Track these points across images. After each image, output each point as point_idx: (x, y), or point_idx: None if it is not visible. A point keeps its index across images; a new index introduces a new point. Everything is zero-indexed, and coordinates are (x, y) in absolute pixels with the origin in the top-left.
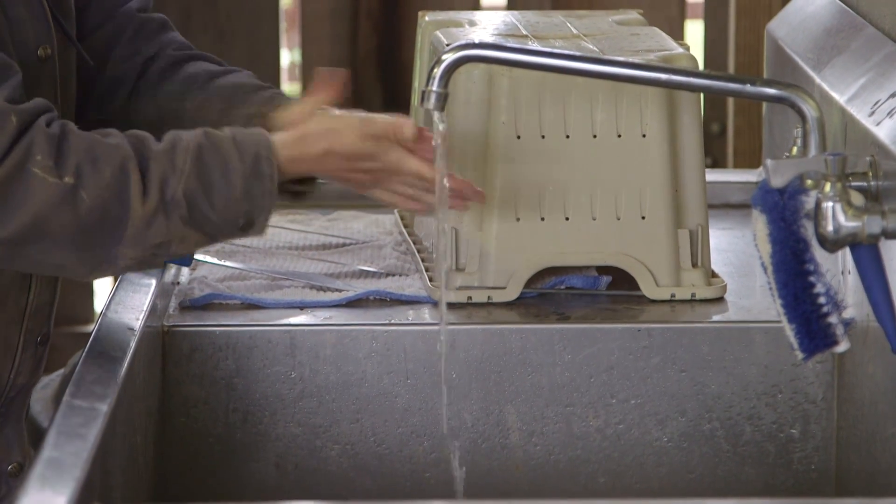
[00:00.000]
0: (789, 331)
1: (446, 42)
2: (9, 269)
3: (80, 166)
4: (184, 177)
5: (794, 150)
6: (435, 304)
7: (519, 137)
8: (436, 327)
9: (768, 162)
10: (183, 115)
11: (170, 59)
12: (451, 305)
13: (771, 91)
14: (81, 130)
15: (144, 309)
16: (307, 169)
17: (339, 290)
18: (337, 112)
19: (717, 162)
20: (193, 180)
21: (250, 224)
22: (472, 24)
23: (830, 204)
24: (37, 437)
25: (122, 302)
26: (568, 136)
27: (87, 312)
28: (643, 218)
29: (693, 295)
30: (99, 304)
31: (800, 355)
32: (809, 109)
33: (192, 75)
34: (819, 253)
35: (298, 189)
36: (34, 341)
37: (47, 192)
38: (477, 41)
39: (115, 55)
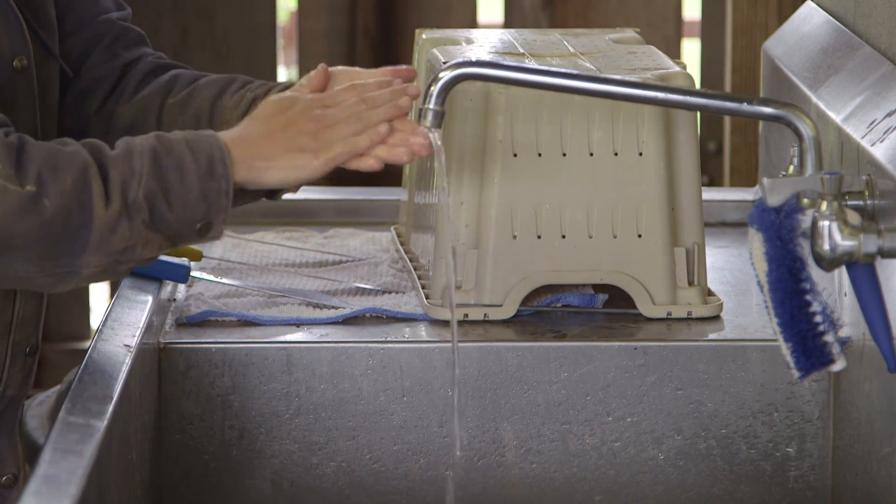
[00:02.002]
0: (785, 349)
1: (443, 60)
2: None
3: (41, 174)
4: (143, 180)
5: (791, 168)
6: (431, 321)
7: (515, 155)
8: (432, 345)
9: (765, 180)
10: (164, 111)
11: (151, 63)
12: (447, 323)
13: (767, 110)
14: (39, 141)
15: (140, 326)
16: (256, 153)
17: (336, 308)
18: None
19: (713, 180)
20: (152, 183)
21: (208, 227)
22: (469, 41)
23: (827, 223)
24: (32, 453)
25: (118, 319)
26: (564, 154)
27: (82, 329)
28: (640, 236)
29: (689, 313)
30: (95, 321)
31: (796, 374)
32: (806, 128)
33: (176, 76)
34: (815, 272)
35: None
36: (23, 353)
37: (9, 201)
38: (474, 59)
39: (92, 59)
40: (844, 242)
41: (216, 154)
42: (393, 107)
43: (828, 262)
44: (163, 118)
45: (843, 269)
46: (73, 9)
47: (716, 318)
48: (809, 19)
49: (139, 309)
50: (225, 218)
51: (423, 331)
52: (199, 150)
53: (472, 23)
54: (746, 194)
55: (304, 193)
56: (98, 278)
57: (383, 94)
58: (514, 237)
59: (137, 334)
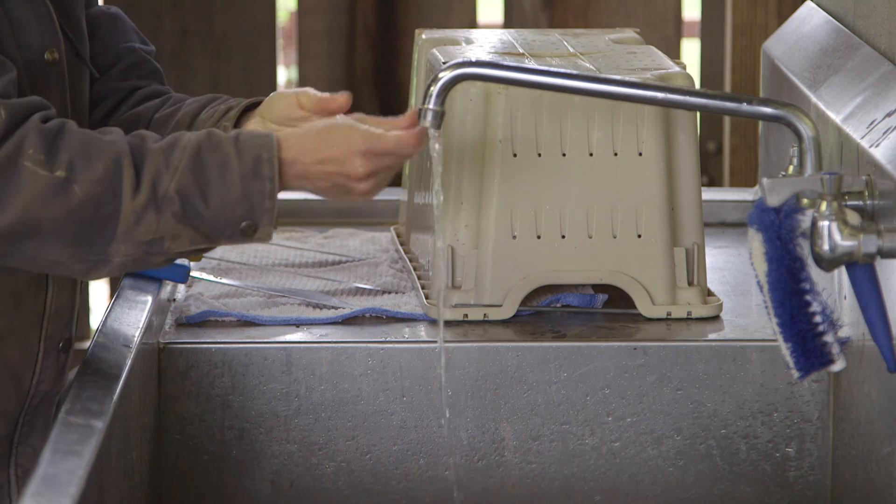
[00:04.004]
0: (785, 349)
1: (443, 60)
2: (12, 267)
3: (73, 160)
4: (177, 174)
5: (791, 168)
6: (431, 321)
7: (515, 155)
8: (432, 345)
9: (764, 181)
10: (150, 125)
11: (155, 90)
12: (447, 323)
13: (767, 110)
14: (81, 129)
15: (140, 326)
16: (303, 173)
17: (336, 308)
18: (340, 118)
19: (713, 180)
20: (188, 177)
21: (253, 227)
22: (468, 41)
23: (826, 223)
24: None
25: (118, 319)
26: (564, 155)
27: (83, 329)
28: (639, 236)
29: (689, 313)
30: (95, 321)
31: (796, 374)
32: (805, 128)
33: (168, 97)
34: (815, 272)
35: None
36: (55, 347)
37: (37, 185)
38: (473, 59)
39: (108, 75)
40: (844, 243)
41: (264, 154)
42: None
43: (827, 263)
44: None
45: (843, 271)
46: (101, 35)
47: (715, 318)
48: (809, 19)
49: (139, 309)
50: (272, 220)
51: (422, 331)
52: (246, 148)
53: (472, 23)
54: (746, 194)
55: (305, 193)
56: (131, 267)
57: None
58: (514, 237)
59: (137, 334)
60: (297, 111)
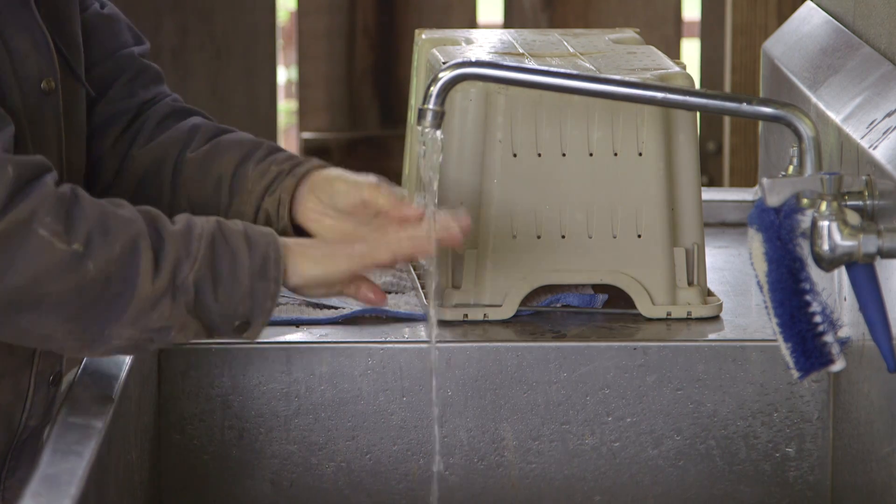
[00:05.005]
0: (785, 349)
1: (443, 60)
2: None
3: (91, 235)
4: (196, 263)
5: (791, 168)
6: None
7: (515, 155)
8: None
9: (764, 181)
10: (182, 163)
11: (169, 107)
12: (446, 323)
13: (767, 110)
14: (92, 197)
15: None
16: (301, 286)
17: (335, 308)
18: (350, 226)
19: (713, 180)
20: (205, 269)
21: (246, 325)
22: (468, 41)
23: (826, 223)
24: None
25: None
26: (564, 155)
27: None
28: (639, 236)
29: (689, 313)
30: None
31: (795, 374)
32: (805, 128)
33: (195, 126)
34: (815, 272)
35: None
36: (46, 382)
37: (52, 257)
38: (473, 59)
39: (110, 94)
40: (844, 243)
41: (271, 254)
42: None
43: (827, 263)
44: (181, 171)
45: (843, 272)
46: (96, 40)
47: (715, 318)
48: (809, 19)
49: None
50: (266, 321)
51: (422, 331)
52: (255, 246)
53: (472, 23)
54: (746, 194)
55: None
56: (125, 352)
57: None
58: (514, 237)
59: None
60: (362, 206)
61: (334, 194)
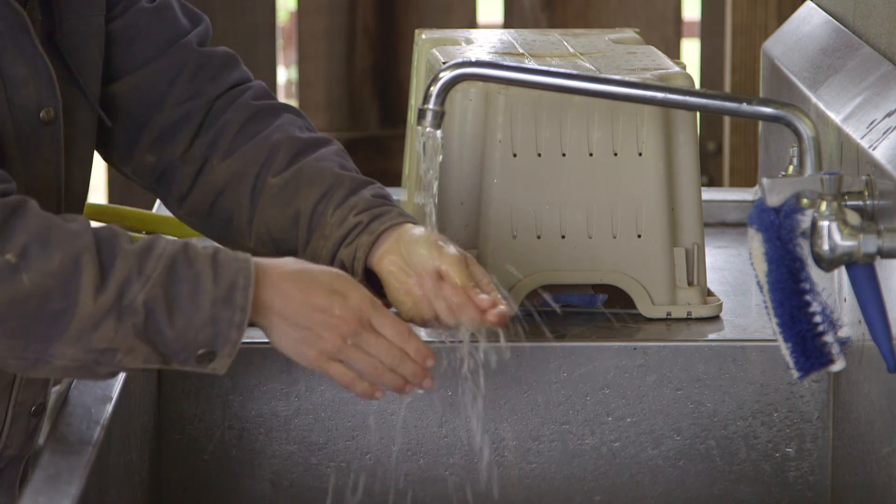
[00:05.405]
0: (785, 349)
1: (443, 60)
2: None
3: (28, 246)
4: (148, 284)
5: (791, 168)
6: None
7: (515, 155)
8: (432, 345)
9: (764, 181)
10: (264, 186)
11: (251, 109)
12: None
13: (767, 110)
14: (43, 211)
15: None
16: (284, 316)
17: None
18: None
19: (713, 180)
20: (158, 290)
21: (210, 356)
22: (468, 41)
23: (826, 223)
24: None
25: None
26: (564, 155)
27: None
28: (639, 236)
29: (689, 313)
30: None
31: (795, 374)
32: (805, 128)
33: (278, 143)
34: (815, 272)
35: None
36: (26, 412)
37: None
38: (473, 59)
39: (173, 95)
40: (844, 243)
41: (240, 282)
42: (402, 385)
43: (827, 263)
44: (261, 195)
45: (843, 272)
46: (146, 34)
47: (715, 318)
48: (809, 19)
49: None
50: (233, 352)
51: (422, 330)
52: (222, 271)
53: (472, 23)
54: (746, 194)
55: None
56: (73, 374)
57: (416, 369)
58: (514, 237)
59: None
60: (437, 275)
61: (412, 252)
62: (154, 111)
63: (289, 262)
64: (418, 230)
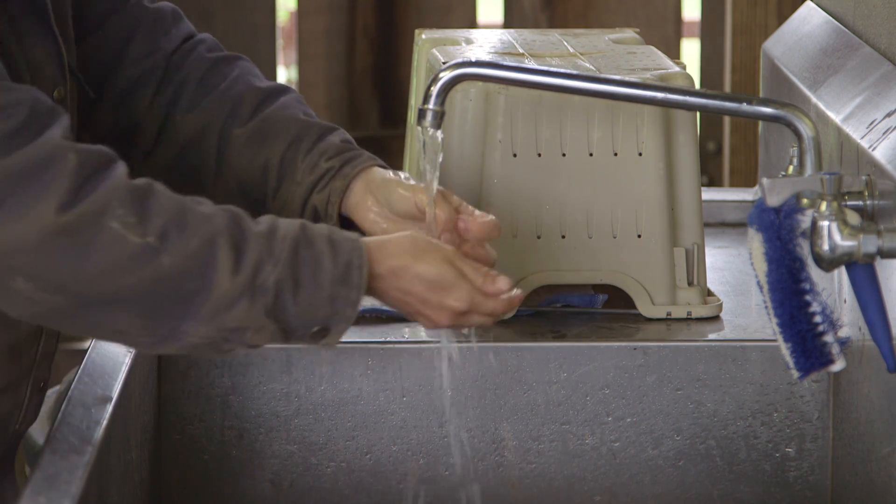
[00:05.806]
0: (785, 349)
1: (443, 60)
2: (66, 330)
3: (167, 228)
4: (279, 265)
5: (791, 168)
6: None
7: (515, 155)
8: (432, 345)
9: (764, 181)
10: (229, 139)
11: (208, 62)
12: None
13: (767, 110)
14: (172, 193)
15: None
16: (382, 286)
17: None
18: (425, 237)
19: (713, 180)
20: (287, 271)
21: (324, 332)
22: (468, 41)
23: (826, 223)
24: (32, 453)
25: None
26: (564, 155)
27: None
28: (639, 236)
29: (689, 313)
30: None
31: (795, 374)
32: (805, 128)
33: (240, 95)
34: (815, 272)
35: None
36: (38, 389)
37: (125, 250)
38: (473, 59)
39: (130, 53)
40: (844, 243)
41: (355, 261)
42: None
43: (827, 263)
44: (227, 147)
45: (843, 272)
46: (139, 37)
47: (715, 318)
48: (809, 19)
49: None
50: (345, 328)
51: (422, 331)
52: (340, 250)
53: (472, 23)
54: (746, 194)
55: None
56: (200, 350)
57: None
58: (514, 237)
59: None
60: (413, 209)
61: (391, 198)
62: (113, 71)
63: (395, 241)
64: (387, 172)
